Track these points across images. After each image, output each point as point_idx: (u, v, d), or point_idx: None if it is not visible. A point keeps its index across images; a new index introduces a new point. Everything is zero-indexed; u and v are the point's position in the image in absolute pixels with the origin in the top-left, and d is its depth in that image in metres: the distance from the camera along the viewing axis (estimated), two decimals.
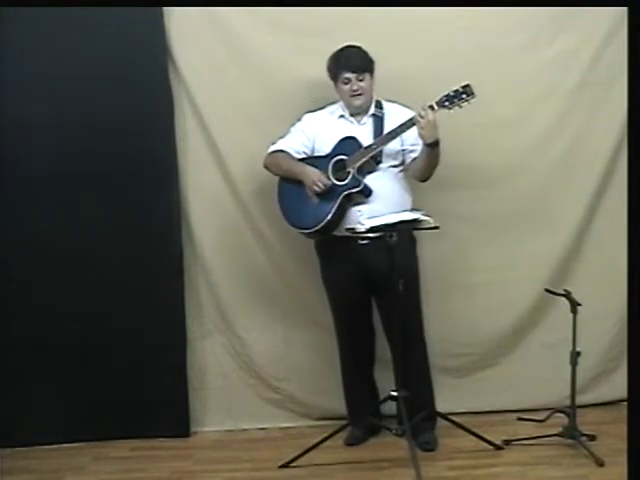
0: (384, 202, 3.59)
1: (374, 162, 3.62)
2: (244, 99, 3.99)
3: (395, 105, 3.72)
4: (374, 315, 3.86)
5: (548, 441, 3.63)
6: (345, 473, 3.59)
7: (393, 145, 3.61)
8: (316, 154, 3.75)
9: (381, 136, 3.61)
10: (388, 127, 3.62)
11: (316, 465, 3.59)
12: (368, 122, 3.70)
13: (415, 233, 3.72)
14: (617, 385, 4.00)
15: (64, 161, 3.93)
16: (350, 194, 3.60)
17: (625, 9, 3.64)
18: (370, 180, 3.61)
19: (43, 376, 4.00)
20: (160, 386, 4.02)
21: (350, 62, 3.61)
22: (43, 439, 4.01)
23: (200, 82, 3.98)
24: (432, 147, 3.48)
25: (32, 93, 3.89)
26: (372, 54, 3.64)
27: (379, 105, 3.72)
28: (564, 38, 3.95)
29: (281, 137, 3.77)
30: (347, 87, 3.64)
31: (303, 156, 3.75)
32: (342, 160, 3.63)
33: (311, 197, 3.65)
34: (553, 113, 4.00)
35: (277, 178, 3.78)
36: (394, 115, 3.66)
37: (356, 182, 3.59)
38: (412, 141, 3.62)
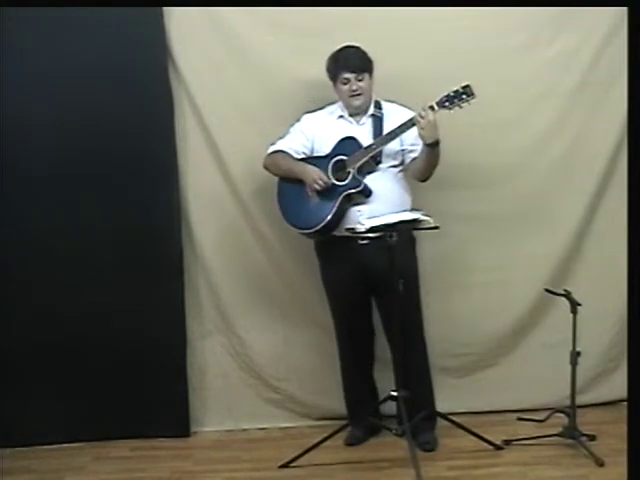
0: (384, 202, 3.59)
1: (374, 162, 3.62)
2: (244, 99, 3.99)
3: (394, 105, 3.72)
4: (374, 315, 3.86)
5: (548, 441, 3.63)
6: (345, 473, 3.59)
7: (393, 145, 3.61)
8: (315, 154, 3.75)
9: (381, 136, 3.61)
10: (387, 127, 3.62)
11: (316, 465, 3.59)
12: (367, 122, 3.70)
13: (415, 233, 3.72)
14: (617, 385, 4.00)
15: (64, 161, 3.93)
16: (350, 194, 3.60)
17: (625, 9, 3.64)
18: (370, 180, 3.61)
19: (43, 376, 4.00)
20: (160, 386, 4.03)
21: (349, 62, 3.61)
22: (43, 439, 4.01)
23: (200, 82, 3.98)
24: (432, 147, 3.48)
25: (32, 93, 3.89)
26: (372, 54, 3.65)
27: (378, 105, 3.72)
28: (564, 38, 3.95)
29: (280, 138, 3.78)
30: (346, 87, 3.64)
31: (302, 156, 3.75)
32: (342, 160, 3.63)
33: (311, 196, 3.65)
34: (553, 113, 4.00)
35: (277, 178, 3.78)
36: (393, 115, 3.66)
37: (356, 182, 3.59)
38: (412, 141, 3.62)
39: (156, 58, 3.92)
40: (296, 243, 3.90)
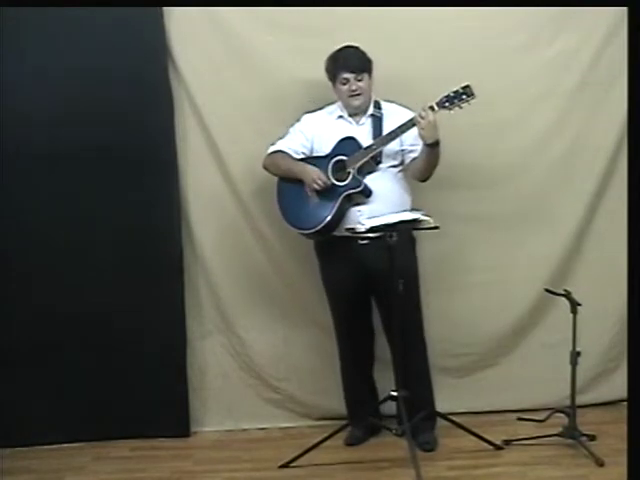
0: (384, 202, 3.59)
1: (374, 162, 3.62)
2: (244, 99, 3.99)
3: (394, 105, 3.72)
4: (374, 315, 3.86)
5: (548, 441, 3.63)
6: (345, 473, 3.59)
7: (393, 145, 3.61)
8: (315, 154, 3.75)
9: (381, 136, 3.61)
10: (387, 127, 3.62)
11: (316, 465, 3.59)
12: (367, 122, 3.70)
13: (415, 233, 3.72)
14: (617, 385, 4.00)
15: (64, 161, 3.92)
16: (350, 194, 3.60)
17: (625, 9, 3.64)
18: (370, 180, 3.61)
19: (43, 376, 4.00)
20: (160, 386, 4.02)
21: (348, 62, 3.61)
22: (43, 439, 4.01)
23: (200, 82, 3.98)
24: (432, 147, 3.49)
25: (32, 93, 3.89)
26: (372, 54, 3.65)
27: (378, 105, 3.72)
28: (564, 38, 3.95)
29: (280, 138, 3.78)
30: (345, 87, 3.64)
31: (302, 156, 3.75)
32: (342, 160, 3.63)
33: (311, 196, 3.65)
34: (553, 113, 4.00)
35: (277, 178, 3.78)
36: (393, 115, 3.66)
37: (357, 182, 3.59)
38: (411, 141, 3.62)
39: (156, 58, 3.92)
40: (296, 243, 3.90)
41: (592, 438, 3.59)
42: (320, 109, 3.80)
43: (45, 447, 4.00)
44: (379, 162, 3.64)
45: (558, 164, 4.03)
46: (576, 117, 4.00)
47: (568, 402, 3.62)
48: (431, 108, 3.44)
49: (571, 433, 3.58)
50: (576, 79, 3.98)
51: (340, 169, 3.63)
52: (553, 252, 4.07)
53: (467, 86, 3.42)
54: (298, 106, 3.84)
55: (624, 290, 3.17)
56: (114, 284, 3.99)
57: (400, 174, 3.71)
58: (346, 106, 3.71)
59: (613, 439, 3.59)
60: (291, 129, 3.79)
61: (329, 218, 3.59)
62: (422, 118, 3.43)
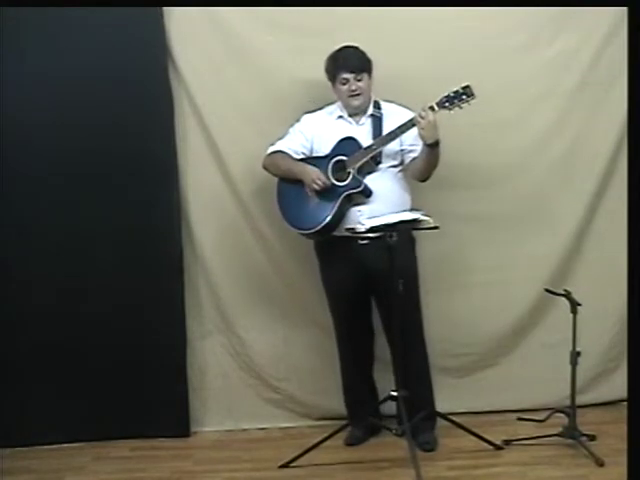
0: (384, 202, 3.59)
1: (374, 162, 3.62)
2: (244, 99, 3.99)
3: (393, 105, 3.72)
4: (374, 315, 3.86)
5: (548, 441, 3.63)
6: (345, 473, 3.59)
7: (392, 145, 3.61)
8: (315, 155, 3.74)
9: (381, 136, 3.61)
10: (387, 127, 3.62)
11: (316, 465, 3.59)
12: (367, 122, 3.70)
13: (414, 233, 3.72)
14: (617, 385, 4.00)
15: (64, 161, 3.93)
16: (350, 194, 3.60)
17: (625, 9, 3.64)
18: (370, 180, 3.61)
19: (43, 376, 4.00)
20: (160, 386, 4.03)
21: (348, 62, 3.61)
22: (43, 439, 4.01)
23: (200, 82, 3.98)
24: (432, 147, 3.48)
25: (32, 93, 3.90)
26: (372, 54, 3.65)
27: (377, 105, 3.72)
28: (564, 38, 3.95)
29: (280, 138, 3.78)
30: (345, 87, 3.64)
31: (302, 157, 3.75)
32: (342, 161, 3.63)
33: (311, 196, 3.65)
34: (553, 113, 4.00)
35: (277, 178, 3.78)
36: (393, 115, 3.66)
37: (357, 182, 3.59)
38: (411, 141, 3.62)
39: (156, 58, 3.92)
40: (296, 243, 3.90)
41: (592, 438, 3.59)
42: (320, 109, 3.80)
43: (45, 447, 4.00)
44: (379, 162, 3.64)
45: (558, 164, 4.03)
46: (576, 117, 4.00)
47: (568, 402, 3.62)
48: (431, 108, 3.44)
49: (571, 433, 3.58)
50: (576, 79, 3.98)
51: (340, 169, 3.63)
52: (553, 252, 4.07)
53: (467, 86, 3.42)
54: (298, 106, 3.84)
55: (624, 290, 3.17)
56: (114, 284, 3.99)
57: (400, 174, 3.71)
58: (346, 106, 3.70)
59: (613, 439, 3.59)
60: (291, 129, 3.79)
61: (329, 218, 3.59)
62: (422, 118, 3.43)
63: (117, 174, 3.95)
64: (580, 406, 3.68)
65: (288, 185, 3.73)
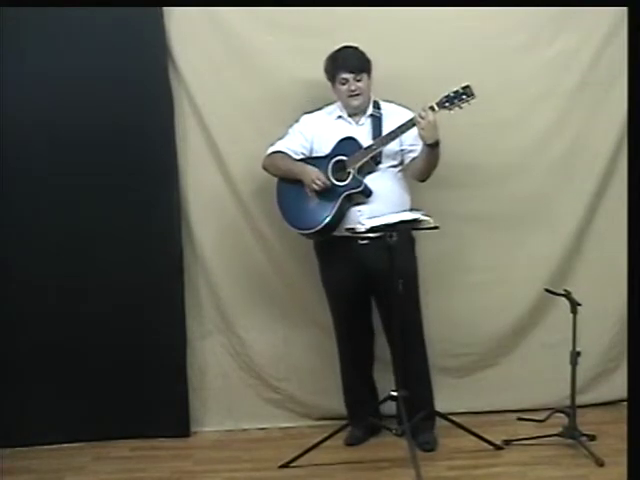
0: (384, 202, 3.59)
1: (374, 162, 3.62)
2: (244, 99, 3.99)
3: (393, 105, 3.72)
4: (374, 315, 3.86)
5: (548, 441, 3.63)
6: (345, 473, 3.59)
7: (392, 145, 3.61)
8: (315, 155, 3.74)
9: (381, 136, 3.61)
10: (386, 127, 3.62)
11: (316, 465, 3.59)
12: (366, 122, 3.70)
13: (414, 233, 3.72)
14: (617, 385, 4.00)
15: (64, 161, 3.93)
16: (350, 194, 3.60)
17: (625, 9, 3.64)
18: (370, 180, 3.61)
19: (43, 376, 4.00)
20: (160, 386, 4.03)
21: (347, 62, 3.61)
22: (43, 439, 4.01)
23: (200, 82, 3.98)
24: (432, 147, 3.49)
25: (32, 93, 3.90)
26: (372, 54, 3.64)
27: (377, 105, 3.72)
28: (564, 38, 3.95)
29: (280, 138, 3.78)
30: (345, 87, 3.64)
31: (301, 157, 3.75)
32: (342, 161, 3.63)
33: (311, 196, 3.65)
34: (553, 113, 4.00)
35: (277, 178, 3.78)
36: (392, 115, 3.66)
37: (357, 182, 3.59)
38: (411, 141, 3.62)
39: (156, 58, 3.92)
40: (296, 243, 3.90)
41: (592, 438, 3.59)
42: (319, 109, 3.80)
43: (45, 447, 4.00)
44: (379, 162, 3.64)
45: (558, 164, 4.03)
46: (576, 117, 4.00)
47: (568, 402, 3.62)
48: (431, 108, 3.44)
49: (571, 433, 3.58)
50: (576, 79, 3.98)
51: (340, 169, 3.63)
52: (553, 252, 4.07)
53: (467, 86, 3.42)
54: (298, 106, 3.84)
55: (624, 290, 3.17)
56: (114, 284, 3.99)
57: (400, 174, 3.71)
58: (345, 106, 3.70)
59: (613, 439, 3.59)
60: (290, 130, 3.79)
61: (329, 218, 3.59)
62: (422, 118, 3.43)
63: (117, 174, 3.95)
64: (580, 406, 3.68)
65: (288, 185, 3.73)
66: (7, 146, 3.88)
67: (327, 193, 3.61)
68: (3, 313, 3.96)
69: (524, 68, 3.96)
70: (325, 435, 3.64)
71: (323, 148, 3.71)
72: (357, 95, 3.64)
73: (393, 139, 3.56)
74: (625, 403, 3.77)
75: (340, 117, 3.74)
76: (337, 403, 4.00)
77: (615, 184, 4.00)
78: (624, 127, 3.89)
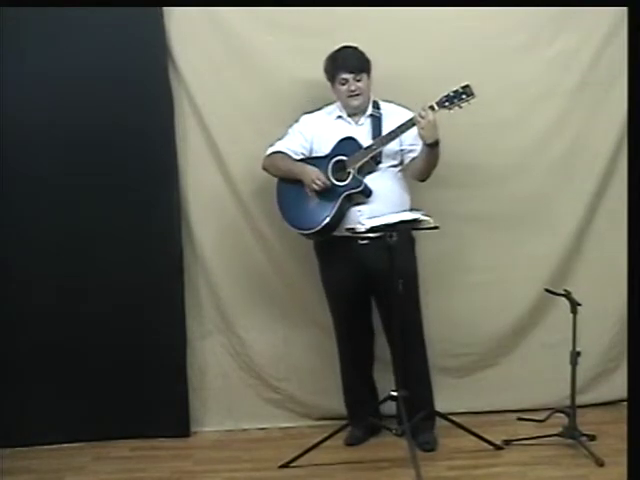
0: (384, 202, 3.59)
1: (374, 162, 3.62)
2: (244, 99, 3.99)
3: (392, 105, 3.72)
4: (374, 315, 3.86)
5: (548, 441, 3.63)
6: (345, 473, 3.59)
7: (392, 145, 3.61)
8: (314, 155, 3.74)
9: (381, 136, 3.61)
10: (386, 127, 3.62)
11: (316, 465, 3.59)
12: (366, 122, 3.70)
13: (414, 233, 3.72)
14: (617, 385, 4.00)
15: (64, 161, 3.93)
16: (350, 194, 3.60)
17: (625, 9, 3.64)
18: (370, 180, 3.61)
19: (43, 376, 4.00)
20: (160, 386, 4.03)
21: (347, 62, 3.61)
22: (43, 439, 4.01)
23: (200, 82, 3.98)
24: (432, 147, 3.49)
25: (32, 93, 3.90)
26: (372, 54, 3.64)
27: (376, 105, 3.72)
28: (564, 38, 3.95)
29: (279, 138, 3.78)
30: (344, 88, 3.64)
31: (301, 157, 3.75)
32: (342, 161, 3.63)
33: (311, 196, 3.65)
34: (553, 113, 4.00)
35: (277, 178, 3.78)
36: (392, 115, 3.66)
37: (357, 182, 3.59)
38: (411, 141, 3.62)
39: (156, 58, 3.92)
40: (296, 243, 3.90)
41: (592, 438, 3.59)
42: (319, 109, 3.80)
43: (45, 447, 4.00)
44: (379, 162, 3.64)
45: (558, 164, 4.03)
46: (576, 117, 4.00)
47: (568, 402, 3.62)
48: (431, 108, 3.44)
49: (571, 433, 3.58)
50: (576, 79, 3.98)
51: (340, 169, 3.63)
52: (553, 252, 4.07)
53: (467, 86, 3.42)
54: (298, 106, 3.84)
55: (624, 290, 3.17)
56: (114, 284, 3.99)
57: (400, 174, 3.71)
58: (345, 106, 3.70)
59: (613, 439, 3.59)
60: (290, 130, 3.79)
61: (329, 218, 3.59)
62: (422, 118, 3.43)
63: (117, 174, 3.95)
64: (580, 406, 3.68)
65: (288, 185, 3.73)
66: (7, 146, 3.88)
67: (327, 193, 3.61)
68: (3, 313, 3.97)
69: (524, 68, 3.96)
70: (325, 435, 3.64)
71: (323, 148, 3.71)
72: (357, 95, 3.64)
73: (393, 139, 3.56)
74: (625, 403, 3.77)
75: (340, 117, 3.74)
76: (337, 403, 4.00)
77: (615, 184, 4.00)
78: (624, 127, 3.89)
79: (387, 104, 3.72)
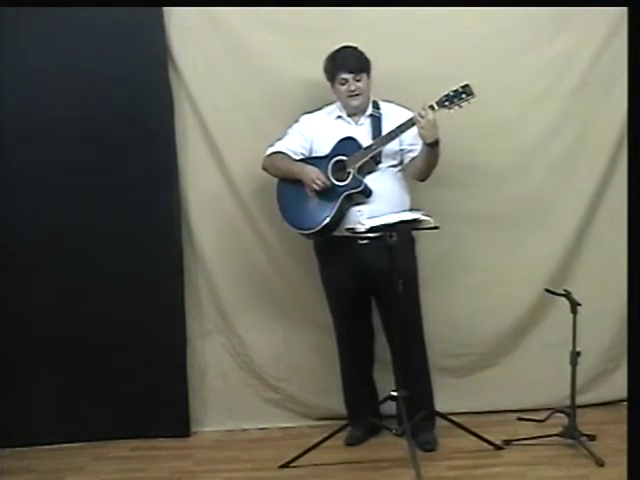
0: (384, 202, 3.59)
1: (374, 162, 3.62)
2: (244, 99, 3.99)
3: (392, 105, 3.72)
4: (374, 315, 3.86)
5: (548, 441, 3.63)
6: (345, 473, 3.59)
7: (392, 145, 3.61)
8: (314, 155, 3.74)
9: (381, 136, 3.60)
10: (386, 127, 3.62)
11: (316, 465, 3.59)
12: (366, 122, 3.70)
13: (414, 233, 3.72)
14: (617, 385, 4.00)
15: (64, 161, 3.93)
16: (350, 194, 3.60)
17: (625, 9, 3.64)
18: (369, 180, 3.61)
19: (43, 376, 4.00)
20: (160, 386, 4.02)
21: (347, 62, 3.61)
22: (43, 439, 4.01)
23: (200, 82, 3.98)
24: (432, 147, 3.49)
25: (32, 93, 3.89)
26: (371, 54, 3.64)
27: (376, 105, 3.72)
28: (564, 38, 3.95)
29: (279, 139, 3.78)
30: (344, 88, 3.64)
31: (301, 157, 3.75)
32: (341, 161, 3.63)
33: (310, 196, 3.65)
34: (553, 113, 4.00)
35: (276, 178, 3.78)
36: (392, 115, 3.66)
37: (357, 182, 3.59)
38: (411, 141, 3.62)
39: (156, 58, 3.92)
40: (296, 243, 3.90)
41: (592, 438, 3.59)
42: (319, 109, 3.80)
43: (45, 447, 4.00)
44: (379, 162, 3.64)
45: (558, 164, 4.03)
46: (576, 117, 4.00)
47: (568, 402, 3.62)
48: (431, 107, 3.44)
49: (571, 433, 3.58)
50: (576, 79, 3.98)
51: (340, 169, 3.63)
52: (553, 252, 4.07)
53: (467, 85, 3.42)
54: (298, 106, 3.84)
55: (624, 290, 3.17)
56: (114, 284, 3.99)
57: (400, 174, 3.71)
58: (345, 106, 3.70)
59: (613, 439, 3.59)
60: (289, 130, 3.78)
61: (329, 218, 3.59)
62: (422, 117, 3.43)
63: (117, 174, 3.95)
64: (580, 406, 3.68)
65: (288, 185, 3.73)
66: (7, 146, 3.88)
67: (327, 193, 3.61)
68: (3, 313, 3.96)
69: (524, 68, 3.96)
70: (325, 435, 3.64)
71: (323, 148, 3.71)
72: (357, 95, 3.64)
73: (393, 139, 3.56)
74: (625, 403, 3.77)
75: (339, 117, 3.74)
76: (337, 403, 4.00)
77: (615, 184, 4.00)
78: (624, 127, 3.89)
79: (387, 104, 3.72)
